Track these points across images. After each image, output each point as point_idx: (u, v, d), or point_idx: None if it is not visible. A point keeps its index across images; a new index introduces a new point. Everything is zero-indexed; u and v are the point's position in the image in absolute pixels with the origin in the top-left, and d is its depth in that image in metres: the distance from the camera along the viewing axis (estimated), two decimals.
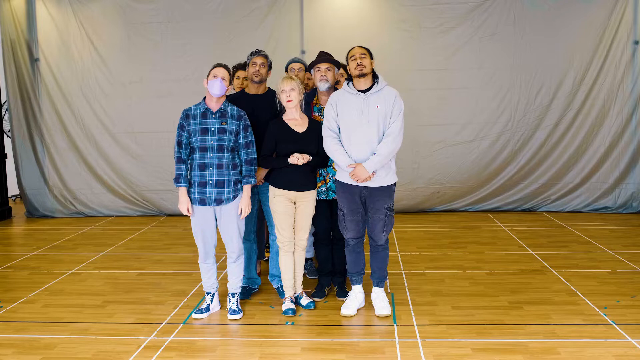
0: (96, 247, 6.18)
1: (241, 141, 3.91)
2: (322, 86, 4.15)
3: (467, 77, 7.37)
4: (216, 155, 3.82)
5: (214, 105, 3.88)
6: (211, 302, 4.10)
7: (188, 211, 3.87)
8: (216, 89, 3.80)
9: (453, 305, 4.13)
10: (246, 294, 4.38)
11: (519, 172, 7.52)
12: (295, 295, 4.16)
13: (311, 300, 4.14)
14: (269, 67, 4.33)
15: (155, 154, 7.74)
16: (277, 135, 3.97)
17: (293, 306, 4.02)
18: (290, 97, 3.90)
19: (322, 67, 4.13)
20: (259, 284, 4.57)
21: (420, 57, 7.36)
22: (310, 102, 4.29)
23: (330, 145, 3.86)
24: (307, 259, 4.89)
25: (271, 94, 4.26)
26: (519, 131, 7.41)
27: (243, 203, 3.90)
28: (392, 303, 4.15)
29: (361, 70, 3.78)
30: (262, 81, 4.27)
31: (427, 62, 7.36)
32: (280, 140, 3.96)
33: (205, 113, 3.87)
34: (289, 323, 3.86)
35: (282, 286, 4.24)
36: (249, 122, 3.95)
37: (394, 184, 3.91)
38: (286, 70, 4.72)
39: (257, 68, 4.23)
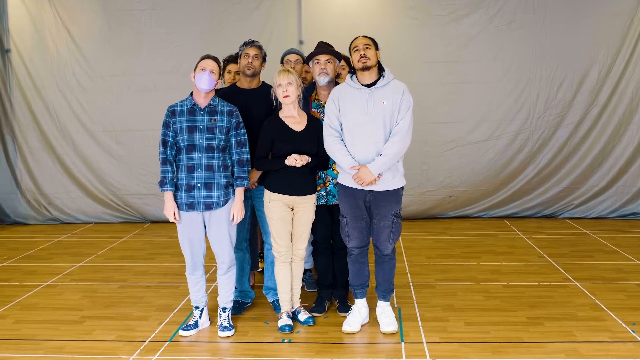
0: (73, 257, 6.18)
1: (232, 140, 3.91)
2: (322, 80, 4.14)
3: (481, 70, 7.39)
4: (205, 156, 3.82)
5: (202, 101, 3.89)
6: (200, 317, 4.11)
7: (175, 217, 3.87)
8: (204, 83, 3.81)
9: (466, 321, 4.13)
10: (238, 308, 4.38)
11: (539, 175, 7.53)
12: (293, 310, 4.17)
13: (310, 315, 4.14)
14: (263, 59, 4.33)
15: (138, 154, 7.74)
16: (273, 134, 3.95)
17: (290, 322, 4.02)
18: (287, 92, 3.90)
19: (321, 59, 4.12)
20: (252, 298, 4.57)
21: (430, 47, 7.37)
22: (309, 97, 4.29)
23: (331, 145, 3.86)
24: (305, 270, 4.90)
25: (265, 88, 4.26)
26: (539, 129, 7.42)
27: (235, 208, 3.91)
28: (399, 319, 4.16)
29: (365, 62, 3.78)
30: (256, 74, 4.28)
31: (437, 53, 7.37)
32: (277, 140, 3.94)
33: (193, 109, 3.88)
34: (286, 340, 3.86)
35: (278, 300, 4.25)
36: (240, 118, 3.95)
37: (402, 187, 3.92)
38: (282, 62, 4.73)
39: (250, 60, 4.23)
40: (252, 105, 4.21)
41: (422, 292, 4.78)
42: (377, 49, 3.86)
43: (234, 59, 4.86)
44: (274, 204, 3.98)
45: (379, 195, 3.85)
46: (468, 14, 7.34)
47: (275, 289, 4.26)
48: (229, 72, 4.89)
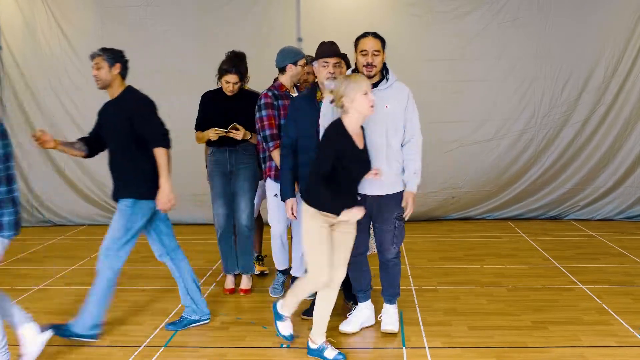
0: (66, 259, 6.18)
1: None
2: (330, 85, 3.86)
3: (484, 68, 7.40)
4: None
5: None
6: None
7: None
8: None
9: (469, 326, 4.14)
10: (182, 323, 4.24)
11: (544, 176, 7.54)
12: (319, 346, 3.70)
13: (340, 352, 3.66)
14: (111, 65, 4.30)
15: None
16: (341, 150, 3.43)
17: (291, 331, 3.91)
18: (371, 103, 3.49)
19: (330, 62, 3.98)
20: (206, 321, 4.31)
21: (432, 45, 7.38)
22: (313, 98, 4.14)
23: None
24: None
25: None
26: (544, 129, 7.43)
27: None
28: (401, 323, 4.16)
29: (370, 72, 3.69)
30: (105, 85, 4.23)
31: (440, 51, 7.38)
32: (346, 158, 3.44)
33: None
34: (284, 345, 3.87)
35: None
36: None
37: (403, 190, 3.90)
38: (294, 64, 4.59)
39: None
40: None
41: (424, 296, 4.79)
42: (384, 49, 3.77)
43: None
44: (317, 222, 3.52)
45: (382, 200, 3.83)
46: (471, 10, 7.34)
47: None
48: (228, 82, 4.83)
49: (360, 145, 3.52)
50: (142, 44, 7.57)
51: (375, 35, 3.74)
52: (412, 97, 3.82)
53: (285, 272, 4.91)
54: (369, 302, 4.09)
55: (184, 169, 7.40)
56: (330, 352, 3.61)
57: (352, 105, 3.40)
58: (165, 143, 4.02)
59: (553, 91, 7.37)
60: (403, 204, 3.84)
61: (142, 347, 3.91)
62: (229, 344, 3.93)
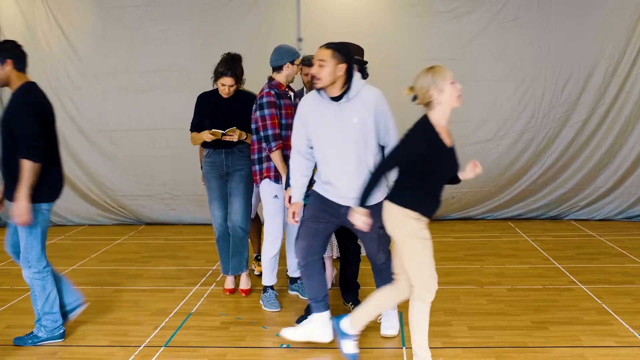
0: (66, 260, 6.18)
1: None
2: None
3: (484, 68, 7.40)
4: None
5: None
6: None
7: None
8: None
9: (469, 326, 4.14)
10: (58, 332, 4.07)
11: (544, 176, 7.54)
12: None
13: (356, 355, 3.61)
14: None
15: (132, 155, 7.75)
16: (427, 150, 3.22)
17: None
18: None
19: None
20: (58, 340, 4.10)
21: (432, 45, 7.37)
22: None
23: (292, 170, 3.78)
24: (297, 278, 4.91)
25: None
26: (544, 129, 7.43)
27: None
28: (401, 323, 4.16)
29: (315, 84, 3.45)
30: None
31: (440, 51, 7.36)
32: (434, 158, 3.26)
33: None
34: (284, 346, 3.87)
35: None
36: None
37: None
38: (292, 63, 4.56)
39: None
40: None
41: None
42: (344, 61, 3.41)
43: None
44: (422, 225, 3.40)
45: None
46: (471, 10, 7.35)
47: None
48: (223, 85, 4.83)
49: (449, 143, 3.30)
50: (142, 44, 7.58)
51: (328, 45, 3.45)
52: (383, 100, 3.55)
53: (272, 287, 4.67)
54: (324, 314, 3.72)
55: (184, 168, 7.43)
56: (348, 345, 3.52)
57: (440, 98, 3.18)
58: (30, 155, 3.61)
59: (553, 91, 7.37)
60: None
61: (142, 347, 3.91)
62: (229, 344, 3.93)
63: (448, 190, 7.56)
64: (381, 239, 3.67)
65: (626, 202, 7.48)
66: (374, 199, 3.45)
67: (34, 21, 7.74)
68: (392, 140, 3.58)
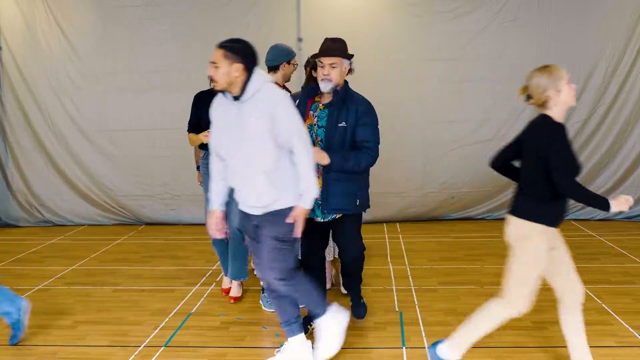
0: (66, 260, 6.18)
1: None
2: (324, 87, 3.76)
3: (484, 68, 7.39)
4: None
5: None
6: None
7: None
8: None
9: None
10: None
11: None
12: None
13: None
14: None
15: (132, 155, 7.75)
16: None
17: None
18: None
19: (325, 62, 3.72)
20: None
21: (432, 45, 7.37)
22: (310, 99, 3.95)
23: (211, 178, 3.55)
24: None
25: None
26: None
27: None
28: (401, 323, 4.16)
29: (214, 86, 3.24)
30: None
31: (440, 51, 7.37)
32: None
33: None
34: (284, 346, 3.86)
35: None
36: None
37: (291, 207, 3.31)
38: (289, 62, 4.52)
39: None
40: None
41: (424, 296, 4.79)
42: (238, 60, 3.17)
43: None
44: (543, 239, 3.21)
45: (259, 218, 3.37)
46: (471, 10, 7.34)
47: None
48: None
49: None
50: (142, 44, 7.58)
51: (220, 44, 3.21)
52: (285, 103, 3.24)
53: None
54: (300, 337, 3.56)
55: (184, 168, 7.42)
56: None
57: (558, 98, 3.08)
58: None
59: None
60: (289, 220, 3.28)
61: (142, 347, 3.91)
62: (229, 344, 3.93)
63: (448, 190, 7.60)
64: (274, 252, 3.32)
65: None
66: (277, 204, 3.28)
67: (34, 21, 7.74)
68: (292, 143, 3.24)
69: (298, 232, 3.30)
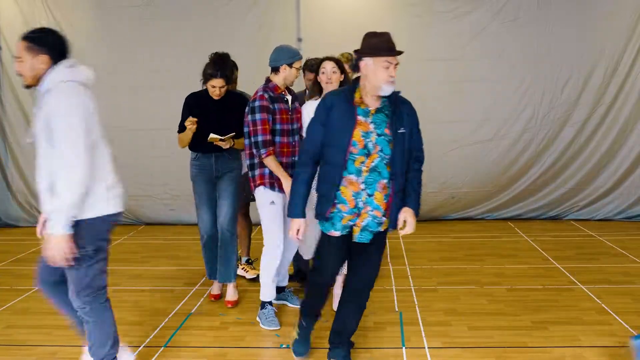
0: None
1: None
2: (389, 90, 3.43)
3: (484, 68, 7.39)
4: None
5: None
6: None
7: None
8: None
9: (469, 326, 4.14)
10: None
11: (543, 176, 7.54)
12: None
13: None
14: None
15: (132, 154, 7.72)
16: None
17: None
18: None
19: (393, 62, 3.56)
20: None
21: (432, 45, 7.37)
22: (351, 100, 3.53)
23: None
24: (284, 288, 4.69)
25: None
26: (544, 129, 7.43)
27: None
28: (401, 323, 4.16)
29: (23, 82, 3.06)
30: None
31: (440, 51, 7.37)
32: None
33: None
34: (284, 346, 3.87)
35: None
36: None
37: (86, 220, 3.18)
38: (290, 65, 4.46)
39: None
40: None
41: (424, 296, 4.79)
42: (43, 52, 3.02)
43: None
44: None
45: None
46: (471, 10, 7.34)
47: None
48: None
49: None
50: (142, 44, 7.58)
51: (23, 37, 3.07)
52: (60, 100, 2.93)
53: (271, 302, 4.33)
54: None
55: (184, 168, 7.39)
56: None
57: None
58: None
59: (553, 91, 7.37)
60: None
61: (142, 347, 3.91)
62: (229, 344, 3.93)
63: (448, 190, 7.60)
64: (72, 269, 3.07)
65: (626, 202, 7.48)
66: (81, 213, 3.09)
67: (34, 21, 7.71)
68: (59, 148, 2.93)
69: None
